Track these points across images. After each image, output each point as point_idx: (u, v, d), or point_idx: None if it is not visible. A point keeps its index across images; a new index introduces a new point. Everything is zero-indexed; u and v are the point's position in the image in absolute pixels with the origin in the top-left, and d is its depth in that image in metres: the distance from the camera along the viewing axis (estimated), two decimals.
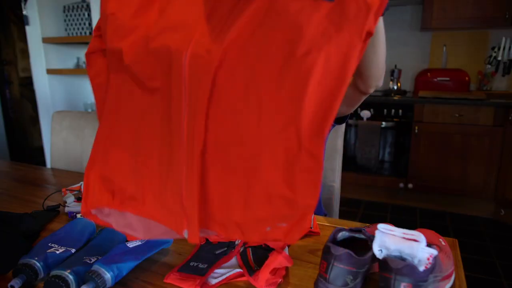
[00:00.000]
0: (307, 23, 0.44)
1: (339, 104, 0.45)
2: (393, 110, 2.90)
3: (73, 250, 0.75)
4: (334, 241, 0.69)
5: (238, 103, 0.49)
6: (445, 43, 3.16)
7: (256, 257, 0.79)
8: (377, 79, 0.78)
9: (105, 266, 0.65)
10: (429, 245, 0.62)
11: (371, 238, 0.63)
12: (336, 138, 1.31)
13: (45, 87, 2.48)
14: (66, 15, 2.41)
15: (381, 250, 0.61)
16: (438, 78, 3.07)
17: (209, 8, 0.50)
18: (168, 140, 0.55)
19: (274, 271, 0.69)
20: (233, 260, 0.78)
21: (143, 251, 0.75)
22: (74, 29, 2.41)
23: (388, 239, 0.60)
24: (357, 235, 0.69)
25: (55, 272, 0.65)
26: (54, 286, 0.63)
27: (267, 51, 0.46)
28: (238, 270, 0.74)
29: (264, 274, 0.67)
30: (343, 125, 1.27)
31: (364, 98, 0.86)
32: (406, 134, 2.89)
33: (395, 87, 3.23)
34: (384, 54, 0.73)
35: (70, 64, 2.61)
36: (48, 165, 2.41)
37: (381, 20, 0.66)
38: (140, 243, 0.77)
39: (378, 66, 0.75)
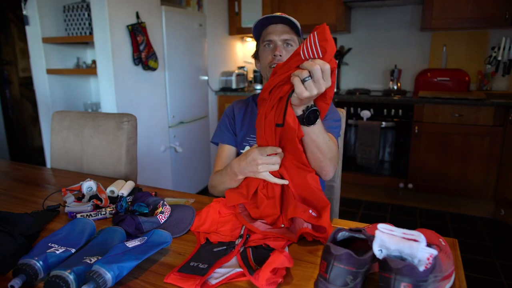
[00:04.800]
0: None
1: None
2: (393, 110, 2.90)
3: (73, 250, 0.75)
4: (334, 241, 0.69)
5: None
6: (445, 43, 3.16)
7: (256, 256, 0.79)
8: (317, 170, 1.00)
9: (105, 266, 0.65)
10: (429, 245, 0.62)
11: (371, 238, 0.63)
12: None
13: (45, 87, 2.48)
14: (66, 15, 2.41)
15: (381, 250, 0.61)
16: (438, 78, 3.07)
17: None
18: None
19: (275, 271, 0.69)
20: (233, 260, 0.78)
21: (143, 251, 0.75)
22: (74, 29, 2.41)
23: (388, 239, 0.60)
24: (357, 235, 0.69)
25: (55, 272, 0.65)
26: (54, 286, 0.63)
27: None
28: (239, 269, 0.73)
29: (265, 274, 0.67)
30: (343, 125, 1.36)
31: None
32: (406, 134, 2.90)
33: (395, 87, 3.23)
34: (319, 156, 0.95)
35: (70, 64, 2.61)
36: (48, 165, 2.40)
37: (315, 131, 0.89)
38: (140, 243, 0.77)
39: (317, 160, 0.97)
